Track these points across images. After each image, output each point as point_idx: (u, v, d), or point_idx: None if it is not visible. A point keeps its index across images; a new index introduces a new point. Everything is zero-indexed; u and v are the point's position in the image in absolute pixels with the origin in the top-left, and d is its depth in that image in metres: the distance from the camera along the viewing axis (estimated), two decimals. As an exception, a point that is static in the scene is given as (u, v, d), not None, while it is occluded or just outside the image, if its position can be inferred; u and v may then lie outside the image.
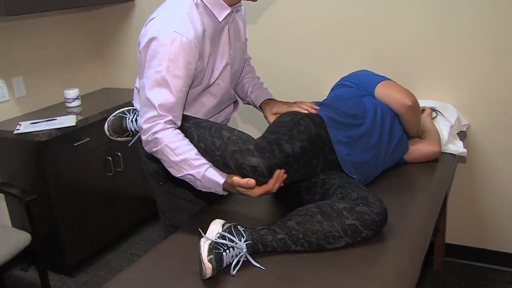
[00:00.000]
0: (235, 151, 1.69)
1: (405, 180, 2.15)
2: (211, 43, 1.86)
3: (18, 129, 2.94)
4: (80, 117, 3.14)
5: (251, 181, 1.64)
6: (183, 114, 1.85)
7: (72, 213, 3.12)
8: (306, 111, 1.95)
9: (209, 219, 1.75)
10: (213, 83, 1.94)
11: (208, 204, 2.18)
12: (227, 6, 1.86)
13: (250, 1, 1.95)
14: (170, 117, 1.75)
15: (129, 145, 2.16)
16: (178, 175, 1.76)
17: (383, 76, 2.20)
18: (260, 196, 1.70)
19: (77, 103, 3.44)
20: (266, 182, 1.70)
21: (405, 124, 2.18)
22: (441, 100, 2.81)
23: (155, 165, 2.08)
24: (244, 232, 1.63)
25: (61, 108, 3.44)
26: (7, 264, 2.57)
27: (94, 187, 3.28)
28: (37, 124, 3.01)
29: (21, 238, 2.67)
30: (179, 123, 1.81)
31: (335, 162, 1.90)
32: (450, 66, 2.80)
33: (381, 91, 2.12)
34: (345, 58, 3.05)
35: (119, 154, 3.37)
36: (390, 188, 2.06)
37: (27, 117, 3.27)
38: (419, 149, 2.27)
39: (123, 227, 3.57)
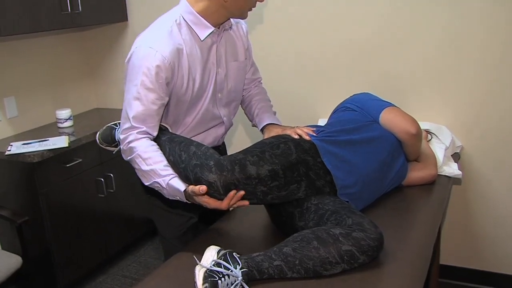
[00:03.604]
0: (196, 165, 1.76)
1: (402, 203, 2.13)
2: (191, 60, 1.93)
3: (10, 150, 2.91)
4: (72, 138, 3.12)
5: (203, 187, 1.70)
6: (163, 129, 1.98)
7: (64, 235, 3.08)
8: (297, 136, 1.95)
9: (205, 243, 1.73)
10: (196, 100, 2.00)
11: (198, 219, 2.18)
12: (210, 25, 1.93)
13: (240, 19, 2.01)
14: (144, 128, 1.87)
15: (113, 153, 2.25)
16: (147, 183, 1.87)
17: (388, 102, 2.19)
18: (215, 209, 1.76)
19: (69, 123, 3.42)
20: (222, 199, 1.75)
21: (407, 150, 2.18)
22: (435, 121, 2.82)
23: None
24: (239, 259, 1.61)
25: (53, 128, 3.42)
26: (-2, 288, 2.54)
27: (86, 208, 3.25)
28: (29, 145, 2.98)
29: (12, 261, 2.63)
30: (154, 134, 1.91)
31: (323, 189, 1.88)
32: (444, 88, 2.81)
33: (386, 118, 2.11)
34: (340, 78, 3.06)
35: (111, 175, 3.35)
36: (387, 212, 2.04)
37: (18, 137, 3.25)
38: (416, 173, 2.26)
39: (115, 249, 3.53)
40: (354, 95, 2.30)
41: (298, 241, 1.63)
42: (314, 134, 1.98)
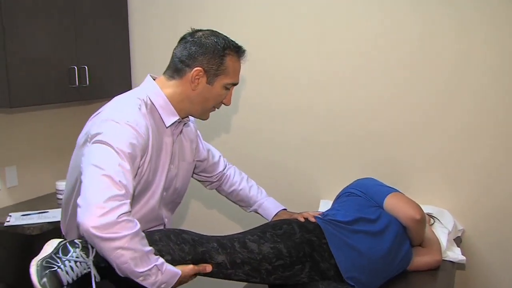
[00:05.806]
0: (204, 252, 1.73)
1: (408, 290, 2.12)
2: (155, 144, 1.76)
3: (9, 221, 2.87)
4: (72, 210, 3.09)
5: (209, 267, 1.71)
6: None
7: (57, 310, 2.99)
8: (303, 220, 1.96)
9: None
10: (140, 194, 1.80)
11: None
12: (176, 114, 1.83)
13: (201, 119, 1.93)
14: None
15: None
16: (143, 269, 1.49)
17: (391, 187, 2.22)
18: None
19: (69, 194, 3.39)
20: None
21: (411, 235, 2.18)
22: (436, 204, 2.84)
23: None
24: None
25: (52, 199, 3.39)
26: None
27: (82, 282, 3.17)
28: (28, 216, 2.95)
29: (4, 338, 2.55)
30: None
31: (328, 272, 1.87)
32: (445, 171, 2.85)
33: (391, 203, 2.13)
34: (343, 161, 3.09)
35: (109, 248, 3.29)
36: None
37: (17, 207, 3.21)
38: (421, 258, 2.25)
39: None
40: (358, 180, 2.32)
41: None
42: (320, 217, 2.00)
